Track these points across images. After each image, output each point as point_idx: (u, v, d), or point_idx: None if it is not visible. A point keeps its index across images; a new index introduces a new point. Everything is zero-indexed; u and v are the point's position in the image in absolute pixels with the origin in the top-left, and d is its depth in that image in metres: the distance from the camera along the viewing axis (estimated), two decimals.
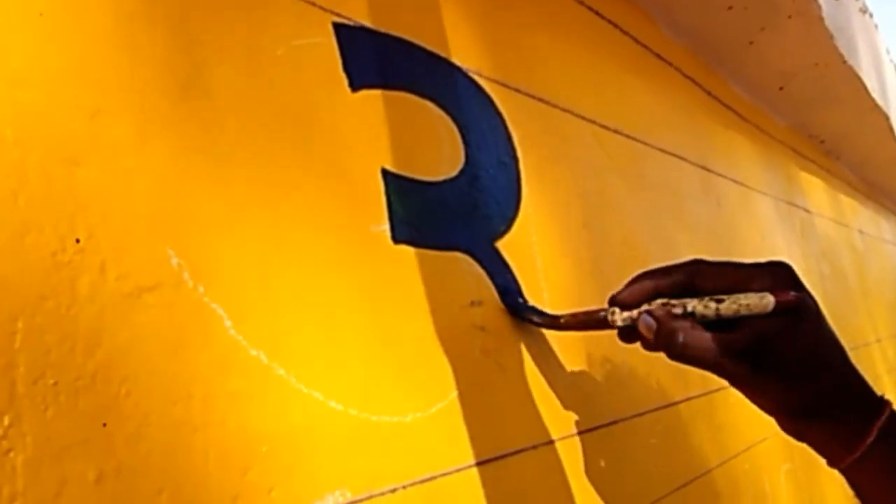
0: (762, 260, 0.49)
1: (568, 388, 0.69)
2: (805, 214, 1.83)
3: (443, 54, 0.67)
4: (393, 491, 0.48)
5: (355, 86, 0.56)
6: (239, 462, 0.40)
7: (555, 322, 0.61)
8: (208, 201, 0.43)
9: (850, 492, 0.48)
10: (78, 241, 0.35)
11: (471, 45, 0.72)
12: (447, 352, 0.57)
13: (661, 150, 1.12)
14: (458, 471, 0.54)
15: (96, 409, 0.34)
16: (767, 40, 1.42)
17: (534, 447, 0.63)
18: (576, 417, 0.69)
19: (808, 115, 1.89)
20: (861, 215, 2.56)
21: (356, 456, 0.47)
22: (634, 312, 0.49)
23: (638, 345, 0.51)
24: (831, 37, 1.46)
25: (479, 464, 0.56)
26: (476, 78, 0.71)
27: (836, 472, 0.48)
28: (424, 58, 0.65)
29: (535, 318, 0.64)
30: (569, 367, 0.70)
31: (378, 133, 0.57)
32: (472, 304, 0.61)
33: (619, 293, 0.50)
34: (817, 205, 1.98)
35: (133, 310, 0.37)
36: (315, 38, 0.54)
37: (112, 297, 0.36)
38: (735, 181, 1.41)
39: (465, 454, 0.55)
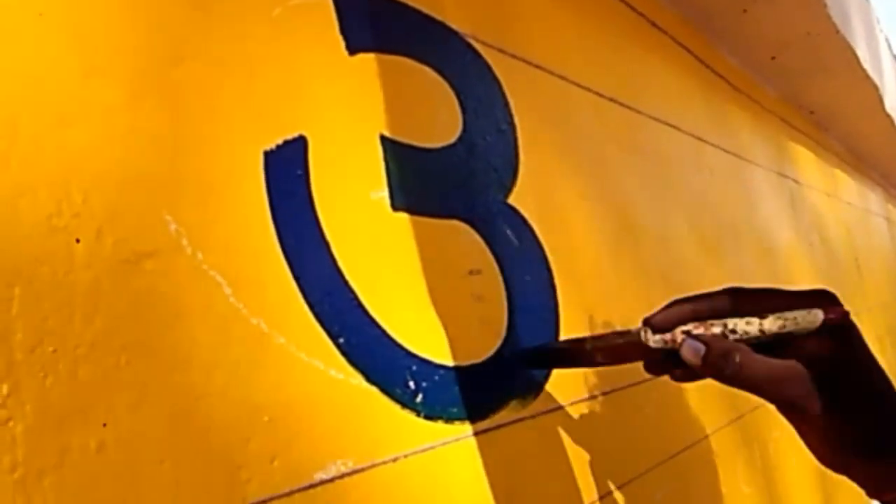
0: (805, 287, 0.44)
1: None
2: (795, 185, 1.84)
3: (439, 18, 0.66)
4: (395, 460, 0.48)
5: (352, 49, 0.55)
6: (241, 431, 0.40)
7: (580, 351, 0.54)
8: (206, 165, 0.42)
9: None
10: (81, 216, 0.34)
11: (467, 10, 0.70)
12: (445, 321, 0.56)
13: (656, 119, 1.11)
14: (457, 440, 0.54)
15: (96, 378, 0.33)
16: (761, 8, 1.41)
17: (532, 417, 0.62)
18: (571, 387, 0.69)
19: (799, 86, 1.89)
20: (849, 187, 2.57)
21: (358, 425, 0.47)
22: (669, 335, 0.44)
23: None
24: (825, 6, 1.45)
25: (478, 433, 0.56)
26: (473, 43, 0.70)
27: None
28: (421, 21, 0.64)
29: (551, 361, 0.61)
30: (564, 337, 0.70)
31: (376, 98, 0.56)
32: (471, 272, 0.61)
33: (652, 316, 0.45)
34: (807, 176, 1.98)
35: (131, 276, 0.36)
36: None
37: (110, 263, 0.35)
38: (728, 151, 1.41)
39: (465, 424, 0.55)
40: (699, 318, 0.44)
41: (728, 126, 1.48)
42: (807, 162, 2.06)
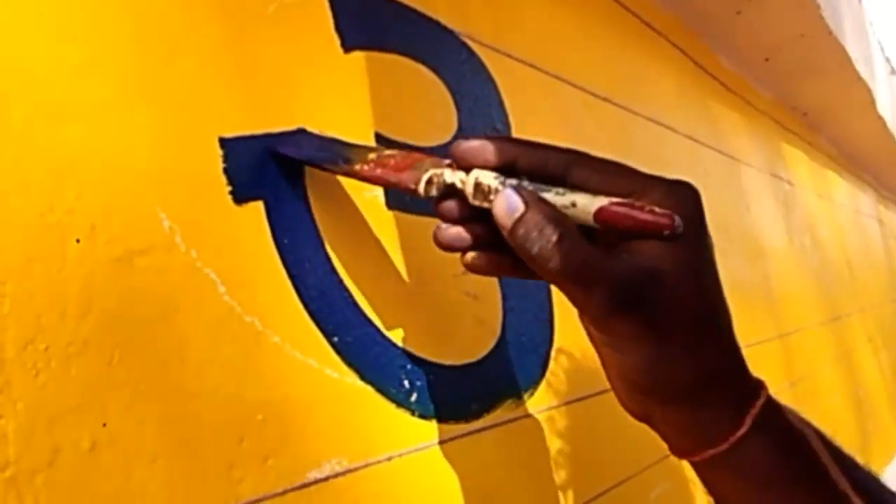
0: (668, 176, 0.36)
1: (555, 359, 0.69)
2: (788, 187, 1.84)
3: (434, 17, 0.66)
4: (389, 459, 0.48)
5: (347, 47, 0.54)
6: (234, 430, 0.39)
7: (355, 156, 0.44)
8: (200, 162, 0.42)
9: None
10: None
11: (462, 9, 0.70)
12: (440, 319, 0.56)
13: (650, 120, 1.11)
14: (452, 439, 0.54)
15: (89, 376, 0.33)
16: (755, 9, 1.41)
17: (527, 416, 0.62)
18: (566, 386, 0.69)
19: (792, 87, 1.89)
20: (841, 188, 2.58)
21: (352, 424, 0.46)
22: (465, 177, 0.35)
23: None
24: (818, 7, 1.46)
25: (472, 433, 0.56)
26: (468, 42, 0.69)
27: None
28: (416, 20, 0.63)
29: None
30: (557, 339, 0.70)
31: (371, 96, 0.56)
32: (465, 271, 0.60)
33: (462, 143, 0.35)
34: (800, 177, 1.99)
35: (125, 274, 0.36)
36: None
37: (103, 261, 0.35)
38: (722, 152, 1.41)
39: (460, 423, 0.55)
40: (520, 170, 0.35)
41: (722, 127, 1.49)
42: (800, 163, 2.06)
